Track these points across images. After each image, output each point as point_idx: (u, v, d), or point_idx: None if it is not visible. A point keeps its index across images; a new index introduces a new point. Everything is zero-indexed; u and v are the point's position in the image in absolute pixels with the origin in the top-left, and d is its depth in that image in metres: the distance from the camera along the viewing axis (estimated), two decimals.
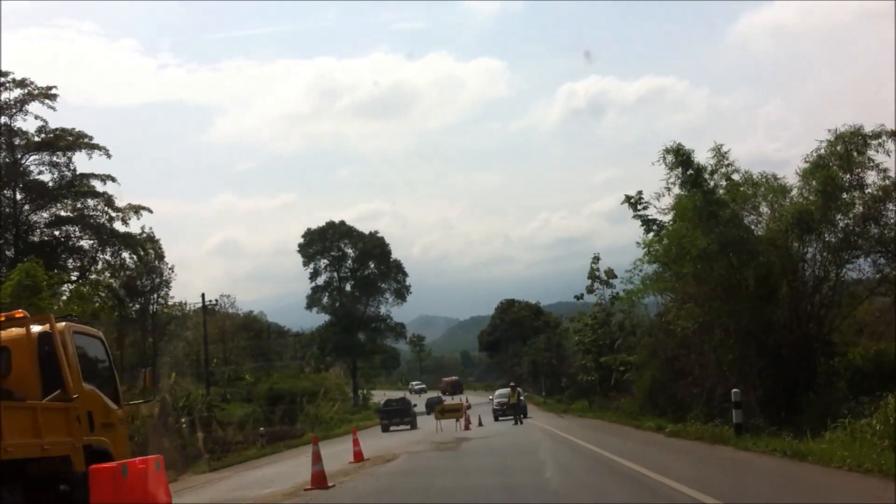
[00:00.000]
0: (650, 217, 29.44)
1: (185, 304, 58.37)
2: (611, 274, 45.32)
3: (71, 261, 37.50)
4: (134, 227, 37.06)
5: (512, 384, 47.72)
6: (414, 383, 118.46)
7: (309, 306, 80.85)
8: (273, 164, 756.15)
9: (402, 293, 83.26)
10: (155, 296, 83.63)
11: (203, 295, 52.58)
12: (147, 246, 38.11)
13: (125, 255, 37.95)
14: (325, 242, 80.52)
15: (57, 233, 36.84)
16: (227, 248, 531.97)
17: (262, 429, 39.76)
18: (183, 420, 48.75)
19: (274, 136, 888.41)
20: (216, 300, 52.92)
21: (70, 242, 36.97)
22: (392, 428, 47.57)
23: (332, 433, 48.73)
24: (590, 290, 46.26)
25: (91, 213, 37.13)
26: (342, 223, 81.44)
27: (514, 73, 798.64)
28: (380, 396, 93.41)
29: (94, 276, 37.57)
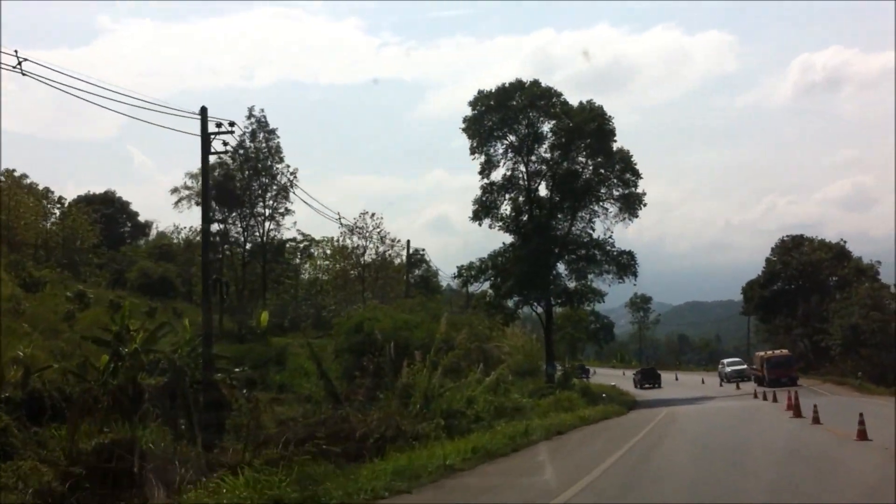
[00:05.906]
0: None
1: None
2: None
3: None
4: None
5: None
6: (726, 361, 70.59)
7: (476, 217, 49.78)
8: None
9: (631, 203, 50.24)
10: (263, 208, 57.14)
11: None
12: None
13: None
14: (505, 112, 49.09)
15: None
16: (439, 224, 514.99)
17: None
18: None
19: None
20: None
21: None
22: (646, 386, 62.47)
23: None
24: None
25: None
26: (535, 83, 49.61)
27: (744, 46, 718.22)
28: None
29: None
